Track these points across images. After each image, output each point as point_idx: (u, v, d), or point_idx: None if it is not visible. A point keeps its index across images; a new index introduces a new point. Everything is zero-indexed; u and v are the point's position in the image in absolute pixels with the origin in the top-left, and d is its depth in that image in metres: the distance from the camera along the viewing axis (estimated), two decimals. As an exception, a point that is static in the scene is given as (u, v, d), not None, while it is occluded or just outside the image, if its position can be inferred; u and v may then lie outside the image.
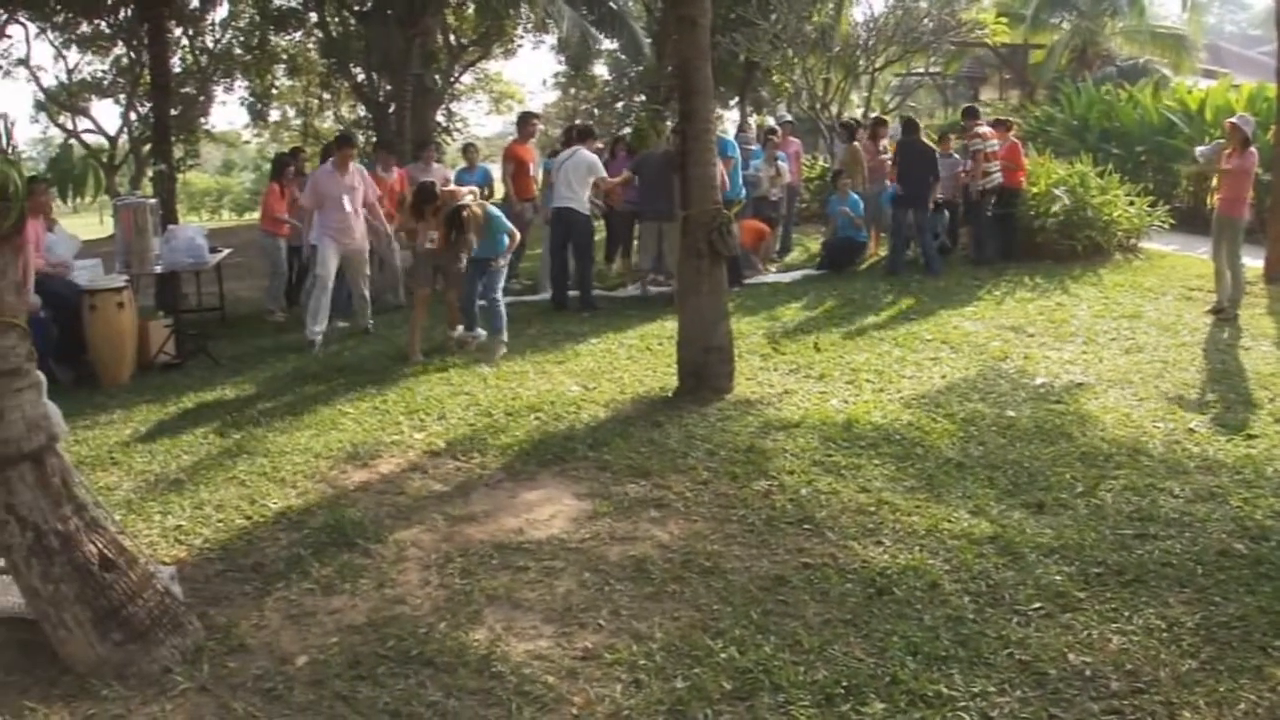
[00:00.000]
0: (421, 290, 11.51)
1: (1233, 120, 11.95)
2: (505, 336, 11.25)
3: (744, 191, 14.76)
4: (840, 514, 6.15)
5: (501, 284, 11.63)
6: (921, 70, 32.36)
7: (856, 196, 16.10)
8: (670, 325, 10.58)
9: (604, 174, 14.16)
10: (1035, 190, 15.45)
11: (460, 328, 11.78)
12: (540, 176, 15.61)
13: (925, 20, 24.34)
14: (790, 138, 18.84)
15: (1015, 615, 4.85)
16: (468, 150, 17.20)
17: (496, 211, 11.69)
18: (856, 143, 17.61)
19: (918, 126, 16.25)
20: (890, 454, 7.19)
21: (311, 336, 11.87)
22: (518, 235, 12.08)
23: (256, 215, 20.04)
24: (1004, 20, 27.88)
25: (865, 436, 7.56)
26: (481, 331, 11.52)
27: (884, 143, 16.81)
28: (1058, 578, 5.21)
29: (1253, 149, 11.69)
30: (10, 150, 4.68)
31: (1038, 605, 4.93)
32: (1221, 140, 12.36)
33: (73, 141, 38.90)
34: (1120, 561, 5.36)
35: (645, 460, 7.20)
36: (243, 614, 5.18)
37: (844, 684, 4.28)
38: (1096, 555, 5.47)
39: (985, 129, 15.56)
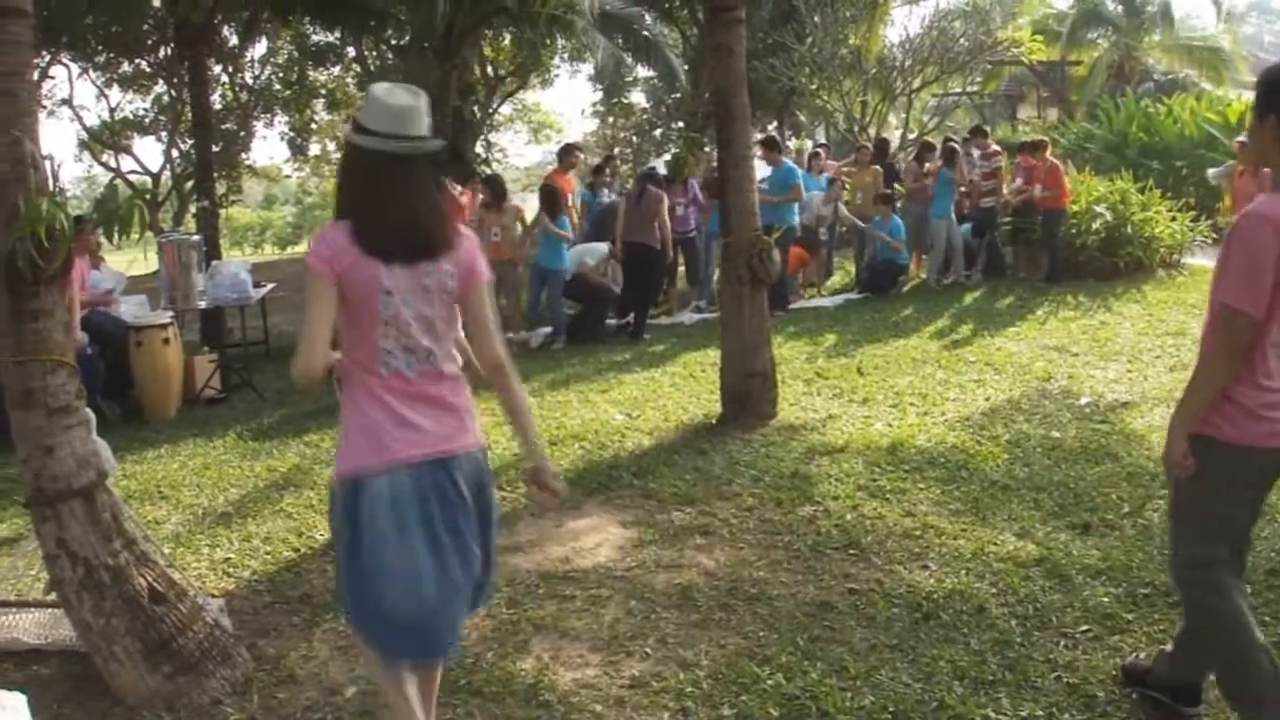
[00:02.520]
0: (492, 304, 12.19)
1: (1241, 139, 11.80)
2: (564, 336, 13.27)
3: (796, 220, 14.80)
4: (886, 538, 6.16)
5: (560, 292, 13.49)
6: (959, 90, 32.29)
7: (898, 220, 16.07)
8: (713, 353, 10.60)
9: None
10: (1076, 208, 15.37)
11: (522, 330, 13.61)
12: (578, 206, 15.71)
13: (961, 40, 24.28)
14: (828, 161, 18.87)
15: (1062, 638, 4.84)
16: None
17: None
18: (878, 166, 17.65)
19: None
20: (935, 477, 7.18)
21: None
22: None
23: (300, 249, 20.02)
24: (1040, 38, 27.77)
25: (910, 460, 7.56)
26: (541, 331, 13.67)
27: (928, 165, 16.74)
28: (1105, 599, 5.20)
29: (1266, 169, 11.56)
30: (57, 191, 4.75)
31: (1085, 628, 4.92)
32: (1233, 160, 12.26)
33: (117, 181, 39.25)
34: (1168, 582, 5.29)
35: (690, 487, 7.22)
36: (291, 645, 5.24)
37: (891, 709, 4.28)
38: (1144, 576, 5.45)
39: (993, 147, 15.95)
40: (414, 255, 3.60)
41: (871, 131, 24.92)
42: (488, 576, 3.89)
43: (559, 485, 4.06)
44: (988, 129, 18.73)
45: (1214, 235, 16.22)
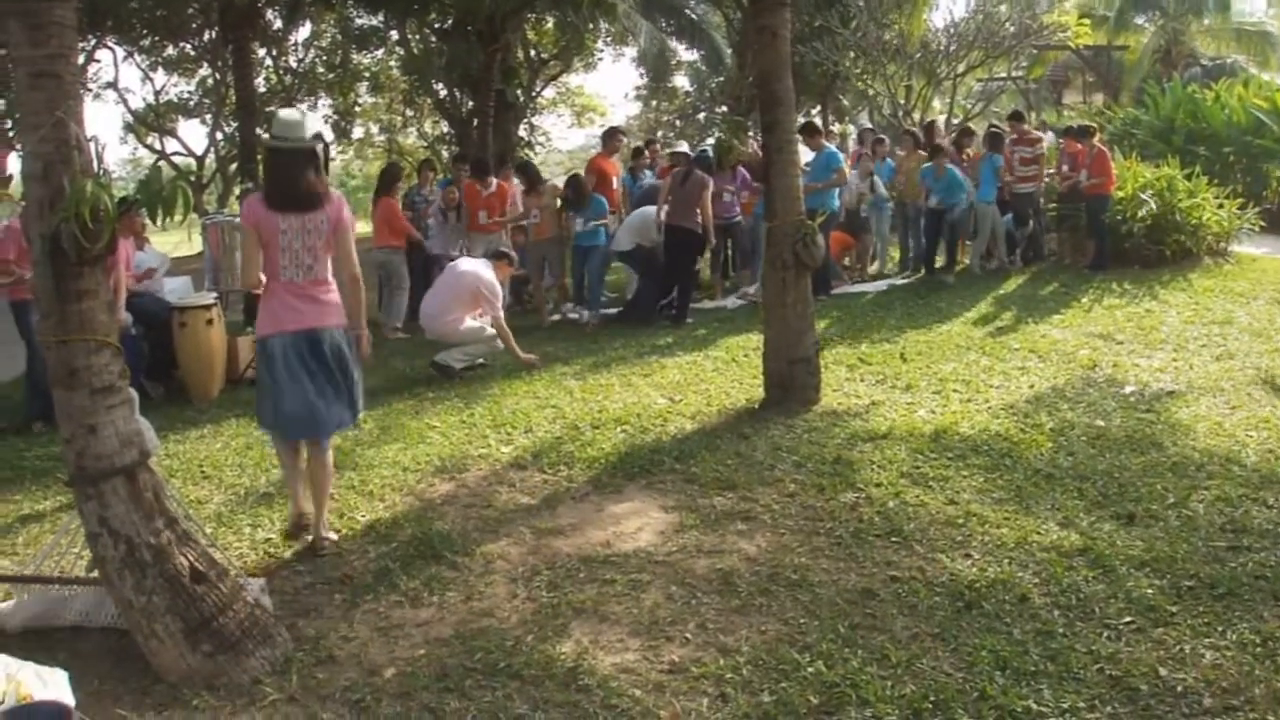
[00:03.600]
0: (537, 282, 14.77)
1: None
2: (600, 314, 13.95)
3: (837, 204, 14.75)
4: (928, 526, 6.13)
5: (601, 269, 14.33)
6: (1004, 75, 32.10)
7: (953, 170, 15.85)
8: (756, 337, 10.58)
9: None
10: (1122, 195, 15.22)
11: (568, 304, 14.65)
12: (622, 190, 15.69)
13: (1006, 24, 24.12)
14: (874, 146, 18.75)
15: (1105, 629, 4.80)
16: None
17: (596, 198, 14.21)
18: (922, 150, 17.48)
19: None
20: (979, 465, 7.14)
21: None
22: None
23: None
24: (1086, 22, 27.54)
25: (953, 447, 7.52)
26: (585, 311, 14.15)
27: (969, 151, 16.60)
28: (1149, 591, 5.15)
29: None
30: (101, 173, 4.77)
31: (1128, 619, 4.88)
32: None
33: (161, 163, 39.51)
34: (1213, 574, 5.28)
35: (732, 473, 7.21)
36: (331, 626, 5.27)
37: (932, 699, 4.26)
38: (1189, 568, 5.39)
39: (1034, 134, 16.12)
40: (297, 209, 6.03)
41: (916, 117, 24.78)
42: (352, 401, 6.38)
43: (368, 350, 6.73)
44: (1025, 115, 18.56)
45: (1261, 223, 16.08)
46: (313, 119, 6.18)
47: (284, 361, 6.08)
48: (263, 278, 6.15)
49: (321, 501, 6.36)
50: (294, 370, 6.09)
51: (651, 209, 14.05)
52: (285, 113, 6.22)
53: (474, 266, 11.21)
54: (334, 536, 6.42)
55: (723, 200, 14.61)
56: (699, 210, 13.38)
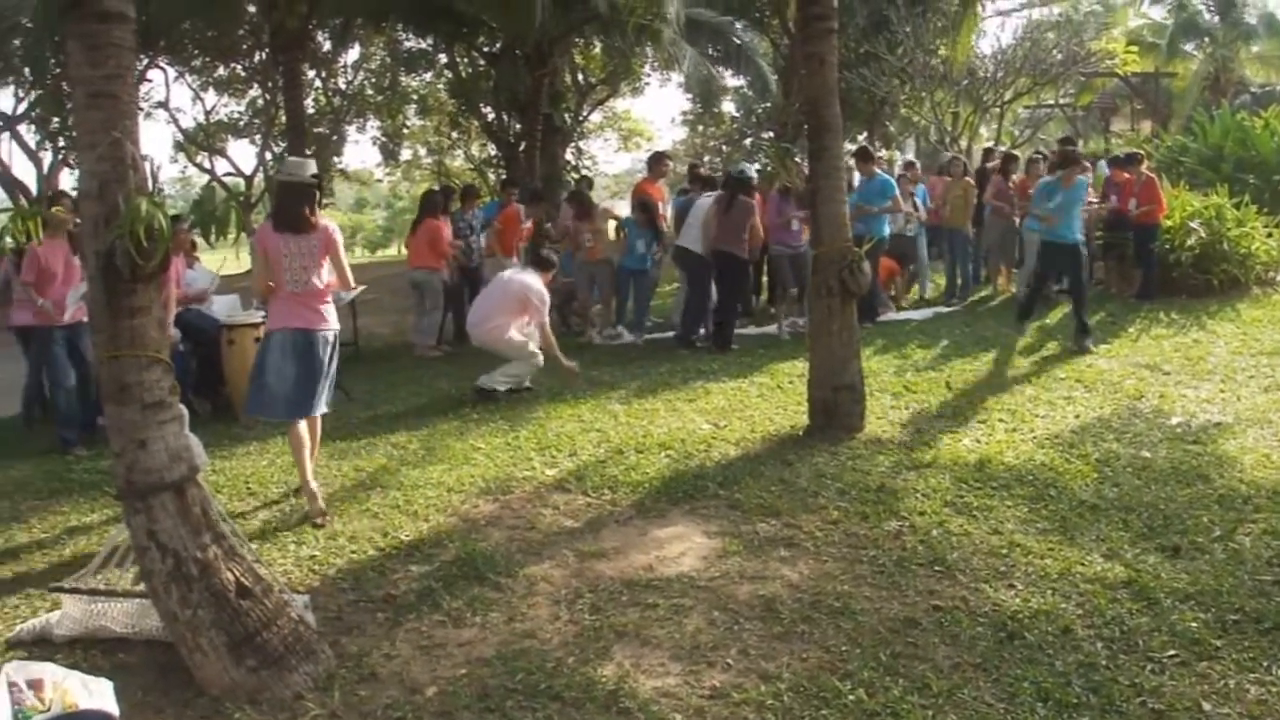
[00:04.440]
0: (584, 299, 14.96)
1: None
2: (643, 336, 14.36)
3: (887, 231, 14.67)
4: (972, 556, 6.11)
5: (647, 293, 14.76)
6: (1051, 102, 32.00)
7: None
8: (801, 364, 10.59)
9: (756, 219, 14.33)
10: (1170, 223, 15.12)
11: (612, 328, 14.72)
12: (669, 215, 15.72)
13: (1054, 51, 24.08)
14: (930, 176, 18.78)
15: (1149, 663, 4.76)
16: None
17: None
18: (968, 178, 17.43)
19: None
20: (1023, 495, 7.11)
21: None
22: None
23: (390, 252, 20.22)
24: (1134, 49, 27.45)
25: (998, 477, 7.49)
26: (624, 331, 14.60)
27: (1014, 178, 16.52)
28: (1193, 624, 5.11)
29: None
30: (155, 191, 4.83)
31: (1172, 653, 4.84)
32: None
33: (214, 184, 39.90)
34: (1259, 608, 5.24)
35: (776, 499, 7.20)
36: (374, 644, 5.30)
37: (975, 729, 4.25)
38: (1234, 602, 5.35)
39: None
40: (294, 231, 7.54)
41: (962, 143, 24.75)
42: (328, 389, 7.83)
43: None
44: (1074, 142, 18.48)
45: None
46: (310, 164, 8.00)
47: (281, 351, 7.62)
48: (272, 286, 7.66)
49: (312, 453, 7.81)
50: (288, 359, 7.60)
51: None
52: (294, 157, 8.63)
53: (522, 276, 11.30)
54: (317, 487, 7.64)
55: (790, 229, 14.29)
56: (745, 236, 13.37)
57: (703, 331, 13.88)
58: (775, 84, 27.96)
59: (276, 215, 7.81)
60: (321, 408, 7.81)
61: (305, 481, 7.55)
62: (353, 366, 13.14)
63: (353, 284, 8.44)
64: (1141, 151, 17.11)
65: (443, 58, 31.02)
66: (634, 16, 19.50)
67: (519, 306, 11.02)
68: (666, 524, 6.90)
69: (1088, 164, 16.13)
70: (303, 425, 7.65)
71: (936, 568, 5.96)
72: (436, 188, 20.47)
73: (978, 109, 25.24)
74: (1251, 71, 35.60)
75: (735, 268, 13.53)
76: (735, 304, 14.02)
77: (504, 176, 27.63)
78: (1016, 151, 20.23)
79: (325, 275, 7.67)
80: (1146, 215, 14.76)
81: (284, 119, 25.48)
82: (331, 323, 7.75)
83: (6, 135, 29.85)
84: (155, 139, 73.55)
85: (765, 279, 16.57)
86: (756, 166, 17.57)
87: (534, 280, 11.02)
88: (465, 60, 30.43)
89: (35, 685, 4.25)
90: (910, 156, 24.21)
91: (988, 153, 20.35)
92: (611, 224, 14.98)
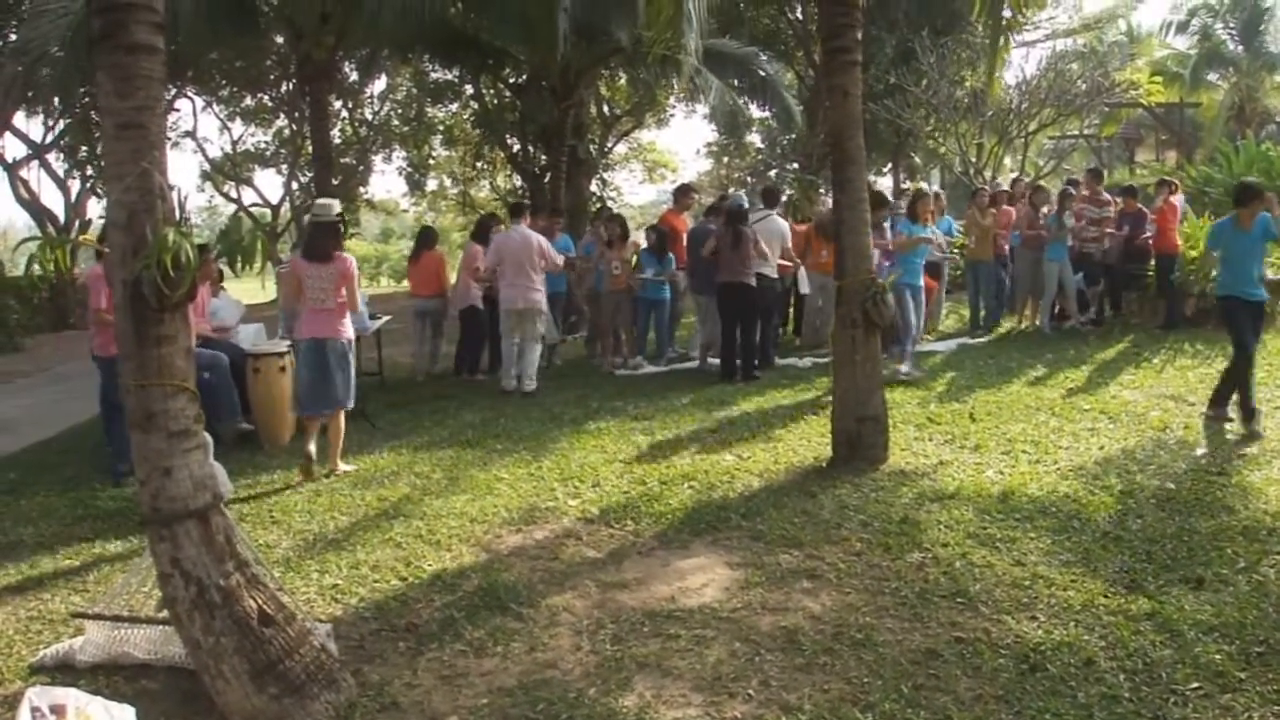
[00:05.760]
0: (604, 328, 15.28)
1: None
2: (669, 363, 14.97)
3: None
4: (994, 587, 6.09)
5: (668, 321, 15.37)
6: (1076, 133, 31.98)
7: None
8: (825, 395, 10.58)
9: (790, 243, 14.50)
10: (1194, 254, 15.09)
11: (636, 358, 15.04)
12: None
13: (1078, 82, 24.07)
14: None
15: (1172, 695, 4.74)
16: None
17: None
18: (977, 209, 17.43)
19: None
20: (1046, 527, 7.09)
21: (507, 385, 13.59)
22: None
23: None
24: (1159, 80, 27.42)
25: (1021, 509, 7.46)
26: (644, 361, 15.08)
27: (1044, 210, 16.51)
28: (1217, 657, 5.09)
29: None
30: (182, 221, 4.88)
31: (1196, 685, 4.82)
32: None
33: (241, 214, 40.15)
34: (1284, 641, 5.22)
35: (798, 530, 7.20)
36: (396, 673, 5.31)
37: (997, 761, 4.23)
38: (1259, 634, 5.32)
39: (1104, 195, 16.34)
40: (319, 260, 9.34)
41: (987, 175, 24.74)
42: (346, 391, 9.57)
43: None
44: (1102, 174, 18.56)
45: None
46: (335, 204, 9.95)
47: (305, 357, 9.59)
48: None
49: (335, 448, 9.63)
50: (310, 364, 9.49)
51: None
52: (322, 200, 10.43)
53: (526, 232, 13.48)
54: (346, 468, 9.66)
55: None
56: (752, 264, 13.40)
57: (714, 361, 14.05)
58: (800, 115, 28.01)
59: (306, 247, 9.75)
60: (339, 406, 9.56)
61: (305, 447, 9.45)
62: (377, 395, 13.18)
63: (360, 308, 10.27)
64: (1174, 181, 17.16)
65: (469, 89, 31.12)
66: (655, 48, 19.54)
67: (540, 253, 13.35)
68: (689, 555, 6.89)
69: (1109, 197, 16.23)
70: (338, 416, 9.61)
71: (959, 599, 5.94)
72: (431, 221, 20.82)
73: (1002, 140, 25.24)
74: (1277, 101, 35.53)
75: (747, 296, 13.50)
76: (753, 332, 13.97)
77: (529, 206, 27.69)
78: (1043, 183, 20.21)
79: (342, 296, 9.48)
80: (1160, 243, 14.80)
81: (310, 149, 25.64)
82: (344, 333, 9.54)
83: (35, 164, 30.04)
84: (182, 168, 74.02)
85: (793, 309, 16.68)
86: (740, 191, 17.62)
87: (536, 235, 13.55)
88: (491, 91, 30.52)
89: (58, 711, 4.27)
90: (937, 188, 24.17)
91: (1014, 184, 20.36)
92: (635, 259, 15.08)
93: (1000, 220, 16.56)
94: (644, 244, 15.40)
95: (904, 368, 12.72)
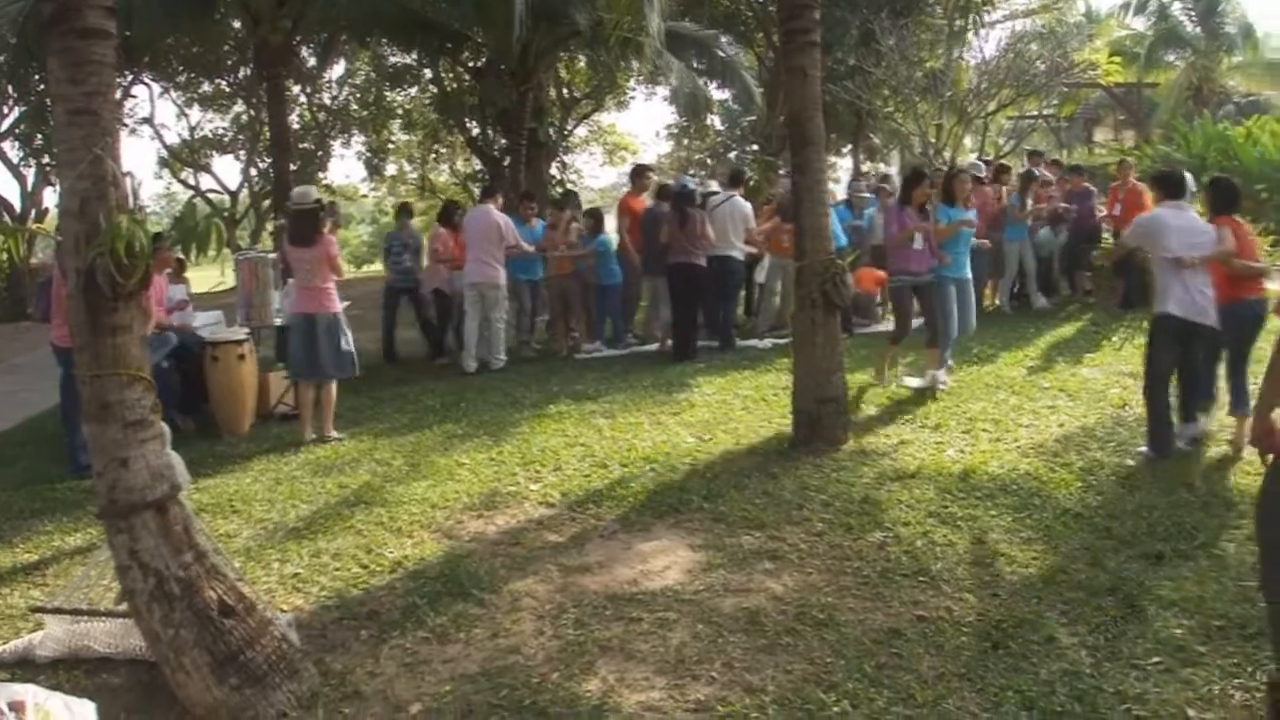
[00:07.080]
0: (555, 312, 15.71)
1: None
2: (621, 350, 14.95)
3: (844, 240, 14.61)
4: (956, 565, 6.11)
5: (621, 305, 15.34)
6: (1035, 113, 32.08)
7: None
8: (785, 376, 10.59)
9: (754, 224, 14.75)
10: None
11: (591, 343, 15.11)
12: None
13: (1037, 62, 24.11)
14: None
15: (1133, 670, 4.78)
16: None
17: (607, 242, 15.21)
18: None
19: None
20: (1007, 504, 7.12)
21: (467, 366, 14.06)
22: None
23: (376, 267, 20.27)
24: (1117, 60, 27.51)
25: (982, 487, 7.49)
26: (602, 345, 15.06)
27: (1004, 190, 16.57)
28: (1177, 631, 5.13)
29: None
30: (136, 208, 4.83)
31: (1156, 659, 4.86)
32: None
33: (196, 200, 39.90)
34: (1242, 614, 5.24)
35: (760, 512, 7.21)
36: (358, 661, 5.30)
37: (959, 739, 4.25)
38: (1218, 608, 5.36)
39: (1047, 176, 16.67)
40: (303, 244, 10.29)
41: (947, 155, 24.78)
42: (342, 358, 10.43)
43: None
44: (1043, 154, 18.78)
45: (1296, 262, 15.95)
46: (312, 190, 10.85)
47: (295, 330, 10.52)
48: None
49: (327, 416, 10.46)
50: (301, 336, 10.41)
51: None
52: (299, 188, 11.05)
53: (490, 210, 13.90)
54: (337, 435, 10.42)
55: (912, 248, 10.99)
56: (701, 244, 13.49)
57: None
58: (760, 97, 28.01)
59: (290, 233, 10.66)
60: (331, 374, 10.44)
61: (303, 426, 10.46)
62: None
63: (342, 273, 10.89)
64: (1130, 160, 17.26)
65: (427, 73, 31.05)
66: (616, 31, 19.51)
67: (500, 235, 13.80)
68: (651, 538, 6.89)
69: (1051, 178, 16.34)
70: (329, 386, 10.51)
71: (921, 578, 5.96)
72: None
73: (962, 120, 25.27)
74: (1235, 81, 35.73)
75: (695, 276, 13.57)
76: (695, 313, 14.03)
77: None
78: (1005, 163, 20.26)
79: (328, 275, 10.37)
80: (1121, 224, 14.90)
81: (268, 134, 25.47)
82: (331, 308, 10.38)
83: (-10, 152, 29.80)
84: (140, 155, 73.26)
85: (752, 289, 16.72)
86: (690, 173, 17.65)
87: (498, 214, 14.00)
88: (450, 75, 30.44)
89: (17, 707, 4.22)
90: (892, 169, 24.22)
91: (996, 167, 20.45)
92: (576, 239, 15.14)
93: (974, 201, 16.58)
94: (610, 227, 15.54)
95: (941, 374, 11.00)
